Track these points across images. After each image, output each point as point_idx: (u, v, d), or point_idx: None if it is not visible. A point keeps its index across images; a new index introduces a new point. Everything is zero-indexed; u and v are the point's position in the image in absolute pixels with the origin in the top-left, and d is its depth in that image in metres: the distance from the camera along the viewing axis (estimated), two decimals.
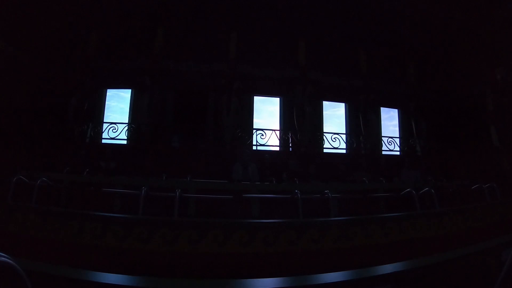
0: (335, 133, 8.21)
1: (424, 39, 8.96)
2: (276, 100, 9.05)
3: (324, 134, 8.32)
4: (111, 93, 8.48)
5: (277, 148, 8.13)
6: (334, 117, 9.29)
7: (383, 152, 8.66)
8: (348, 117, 9.25)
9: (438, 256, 2.78)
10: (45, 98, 7.08)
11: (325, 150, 8.15)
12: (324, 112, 9.16)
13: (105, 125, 7.43)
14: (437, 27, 8.57)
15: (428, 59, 9.47)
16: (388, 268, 2.39)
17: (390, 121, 9.67)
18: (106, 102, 8.32)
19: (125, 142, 7.38)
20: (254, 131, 7.93)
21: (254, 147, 7.82)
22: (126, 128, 7.44)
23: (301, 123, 8.15)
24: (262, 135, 7.79)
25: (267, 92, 8.91)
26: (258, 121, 8.70)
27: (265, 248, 3.08)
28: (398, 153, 8.82)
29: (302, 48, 8.87)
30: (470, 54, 8.73)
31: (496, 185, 5.49)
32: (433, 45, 9.13)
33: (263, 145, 7.78)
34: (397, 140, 8.95)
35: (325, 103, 9.21)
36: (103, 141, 7.41)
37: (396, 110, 9.83)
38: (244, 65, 8.42)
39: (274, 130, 8.14)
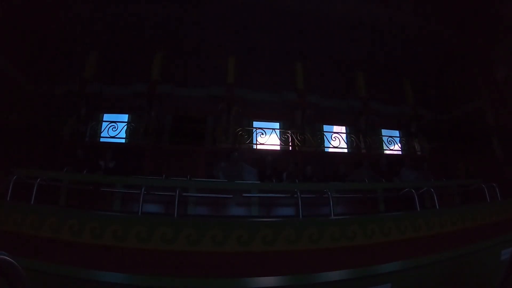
0: (335, 132, 8.21)
1: (421, 59, 8.95)
2: (276, 125, 8.84)
3: (324, 133, 8.33)
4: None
5: (277, 148, 8.11)
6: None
7: (384, 151, 8.66)
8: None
9: (438, 256, 2.78)
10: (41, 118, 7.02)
11: (326, 149, 8.15)
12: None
13: (104, 124, 7.41)
14: (433, 45, 8.57)
15: (426, 78, 9.49)
16: (387, 268, 2.39)
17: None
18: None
19: (123, 141, 7.37)
20: (254, 130, 7.91)
21: (254, 146, 7.81)
22: (126, 127, 7.44)
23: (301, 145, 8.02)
24: (262, 134, 7.78)
25: (266, 117, 8.73)
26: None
27: (265, 247, 3.07)
28: (399, 152, 8.80)
29: (300, 71, 8.83)
30: (467, 69, 8.71)
31: (496, 185, 5.48)
32: (430, 64, 9.14)
33: (263, 144, 7.76)
34: (397, 139, 8.96)
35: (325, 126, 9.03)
36: (102, 139, 7.40)
37: (397, 132, 9.62)
38: (242, 89, 8.35)
39: (274, 129, 8.12)
